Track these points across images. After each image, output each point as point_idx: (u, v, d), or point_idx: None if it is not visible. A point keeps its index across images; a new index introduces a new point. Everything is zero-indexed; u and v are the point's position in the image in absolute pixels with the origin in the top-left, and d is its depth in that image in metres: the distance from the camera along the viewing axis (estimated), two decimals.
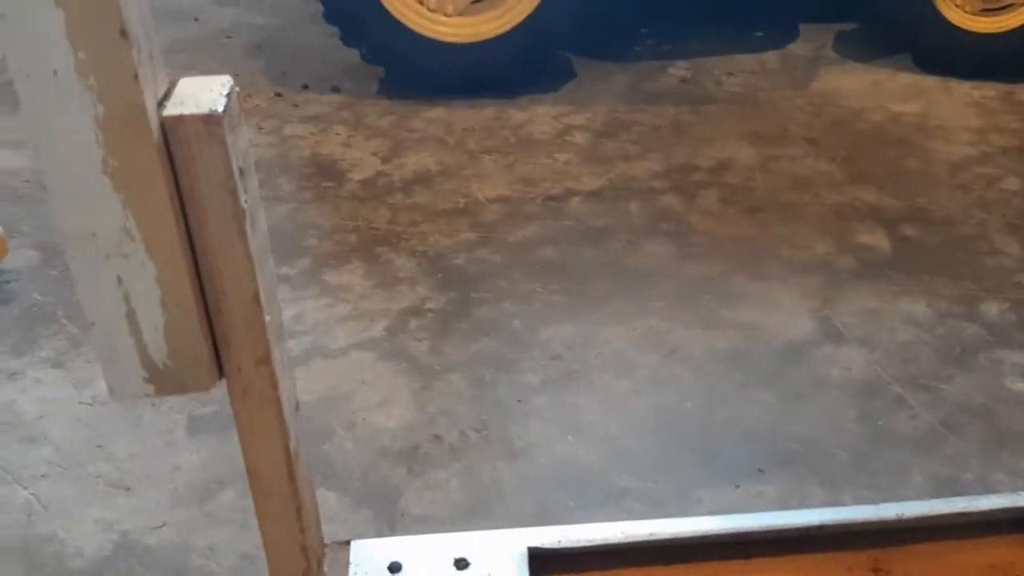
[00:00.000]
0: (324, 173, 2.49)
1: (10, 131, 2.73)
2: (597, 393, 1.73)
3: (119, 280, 1.02)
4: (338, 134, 2.68)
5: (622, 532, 1.30)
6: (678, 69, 3.07)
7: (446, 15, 2.80)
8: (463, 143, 2.64)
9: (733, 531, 1.32)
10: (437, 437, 1.63)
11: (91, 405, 1.70)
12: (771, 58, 3.16)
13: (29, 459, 1.57)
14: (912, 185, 2.41)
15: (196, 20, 3.49)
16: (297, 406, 1.20)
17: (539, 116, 2.77)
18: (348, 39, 2.82)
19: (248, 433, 1.13)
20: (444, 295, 2.01)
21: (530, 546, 1.28)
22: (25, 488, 1.52)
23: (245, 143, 1.03)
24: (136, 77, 0.85)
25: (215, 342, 1.09)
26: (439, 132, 2.70)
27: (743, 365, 1.79)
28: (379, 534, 1.42)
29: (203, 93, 1.00)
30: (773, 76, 3.04)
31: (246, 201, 1.01)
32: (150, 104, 0.92)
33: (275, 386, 1.10)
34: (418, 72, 2.82)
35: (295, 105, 2.81)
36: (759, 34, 3.35)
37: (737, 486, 1.52)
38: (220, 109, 0.93)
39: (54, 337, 1.87)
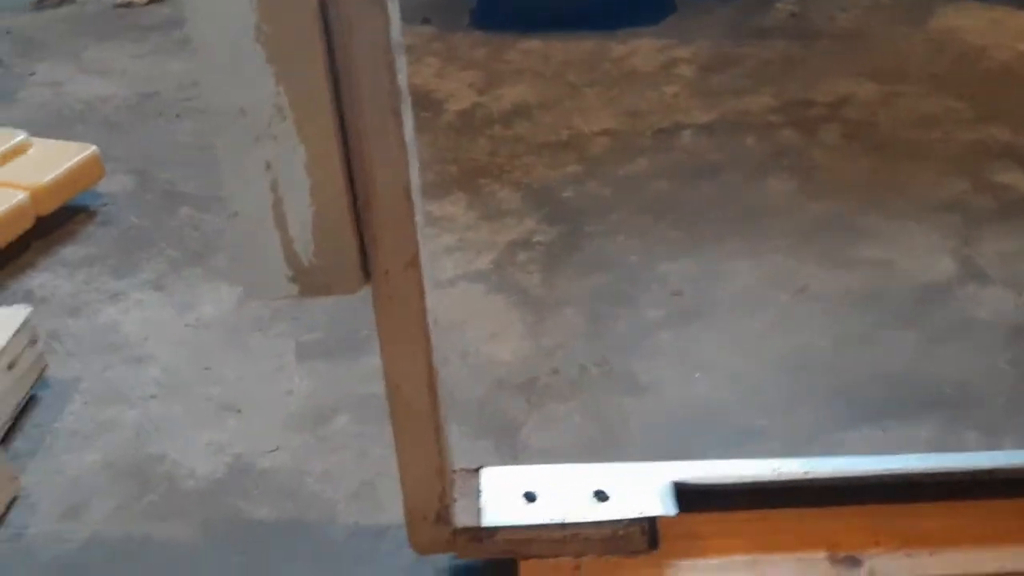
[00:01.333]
0: (419, 103, 2.39)
1: (98, 60, 2.68)
2: (724, 330, 1.61)
3: (267, 165, 0.93)
4: (430, 65, 2.58)
5: (774, 469, 1.19)
6: (785, 3, 2.91)
7: None
8: (562, 75, 2.52)
9: (896, 472, 1.20)
10: (555, 370, 1.53)
11: (195, 328, 1.63)
12: None
13: (137, 380, 1.52)
14: None
15: None
16: (435, 321, 1.11)
17: (641, 49, 2.64)
18: None
19: (391, 343, 1.04)
20: (553, 228, 1.91)
21: (676, 480, 1.18)
22: (134, 408, 1.46)
23: (398, 16, 0.92)
24: None
25: (363, 242, 1.00)
26: (536, 64, 2.58)
27: (880, 305, 1.67)
28: (501, 463, 1.34)
29: None
30: (887, 12, 2.85)
31: (402, 81, 0.91)
32: None
33: (422, 292, 1.00)
34: (512, 3, 2.70)
35: None
36: None
37: (884, 429, 1.40)
38: None
39: (154, 260, 1.81)
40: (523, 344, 1.60)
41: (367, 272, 1.01)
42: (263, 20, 0.85)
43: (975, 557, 1.13)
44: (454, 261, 1.80)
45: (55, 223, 1.89)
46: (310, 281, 0.98)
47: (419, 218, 0.99)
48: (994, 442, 1.37)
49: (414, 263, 1.02)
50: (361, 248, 1.00)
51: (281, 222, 0.98)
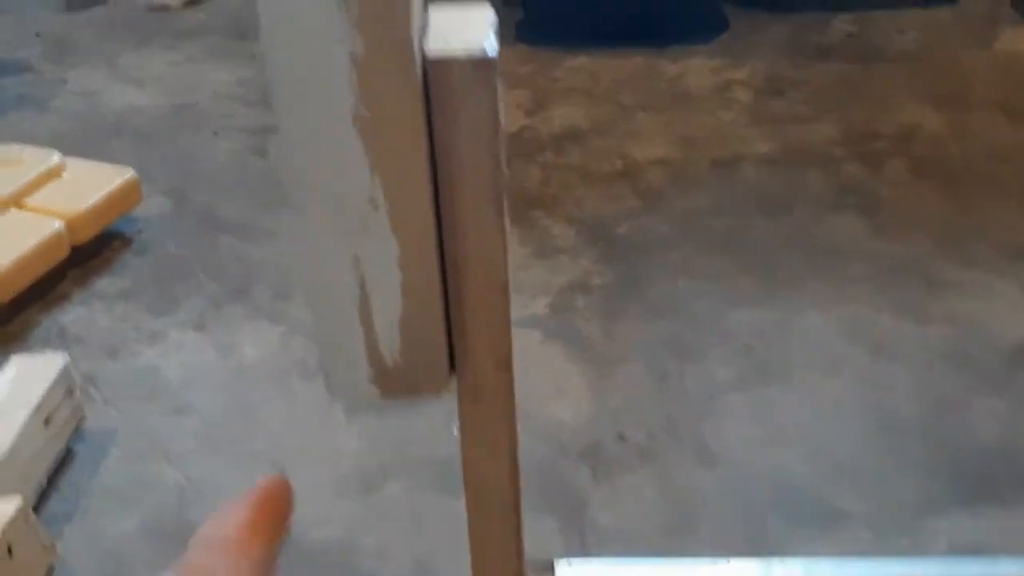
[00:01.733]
0: None
1: (132, 68, 2.59)
2: (800, 392, 1.52)
3: (356, 261, 0.83)
4: None
5: (879, 572, 1.09)
6: (842, 22, 2.79)
7: None
8: (613, 96, 2.42)
9: None
10: (621, 436, 1.44)
11: (237, 373, 1.55)
12: (944, 15, 2.85)
13: (176, 432, 1.43)
14: None
15: None
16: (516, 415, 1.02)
17: (694, 69, 2.53)
18: None
19: (474, 444, 0.94)
20: (610, 268, 1.81)
21: None
22: (173, 465, 1.38)
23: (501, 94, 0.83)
24: (408, 4, 0.63)
25: (450, 340, 0.90)
26: (585, 83, 2.48)
27: (965, 366, 1.57)
28: (568, 548, 1.25)
29: (465, 26, 0.78)
30: (949, 34, 2.74)
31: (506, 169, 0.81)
32: (415, 39, 0.70)
33: (511, 394, 0.91)
34: (563, 17, 2.60)
35: None
36: None
37: (976, 515, 1.30)
38: (492, 52, 0.71)
39: (193, 295, 1.72)
40: (585, 403, 1.50)
41: (453, 369, 0.91)
42: (361, 102, 0.74)
43: None
44: None
45: (90, 251, 1.80)
46: (393, 382, 0.88)
47: (512, 317, 0.89)
48: None
49: (506, 364, 0.92)
50: (449, 346, 0.90)
51: (367, 320, 0.88)
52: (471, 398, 0.97)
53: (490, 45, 0.74)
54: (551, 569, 1.17)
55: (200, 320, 1.67)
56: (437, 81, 0.82)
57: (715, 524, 1.29)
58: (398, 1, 0.66)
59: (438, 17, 0.77)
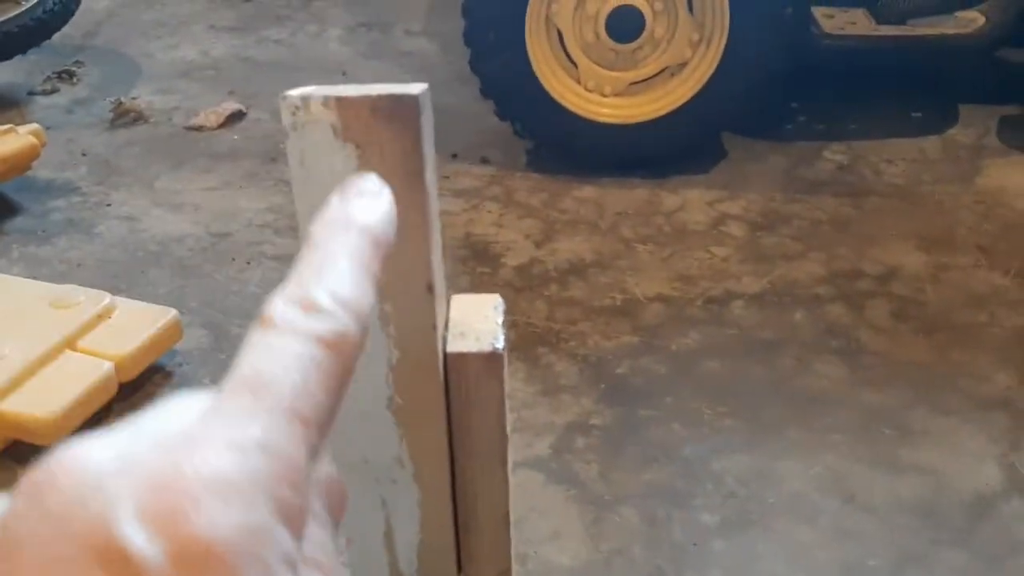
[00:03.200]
0: (479, 256, 2.48)
1: (171, 192, 2.80)
2: (777, 541, 1.67)
3: (383, 502, 1.01)
4: (490, 211, 2.67)
5: None
6: (833, 153, 2.98)
7: (603, 95, 2.77)
8: (616, 229, 2.60)
9: None
10: None
11: None
12: (931, 144, 3.04)
13: None
14: None
15: (344, 74, 3.53)
16: None
17: (692, 201, 2.72)
18: (503, 113, 2.81)
19: None
20: (610, 409, 1.97)
21: None
22: None
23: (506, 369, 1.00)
24: (434, 327, 0.84)
25: (459, 558, 1.07)
26: (591, 214, 2.67)
27: (930, 518, 1.71)
28: None
29: (479, 321, 0.97)
30: (935, 166, 2.92)
31: (508, 433, 0.99)
32: (439, 345, 0.91)
33: None
34: (573, 150, 2.79)
35: (446, 177, 2.81)
36: (917, 114, 3.23)
37: None
38: (500, 346, 0.91)
39: None
40: (582, 548, 1.66)
41: None
42: (396, 393, 0.94)
43: None
44: (514, 444, 1.85)
45: (135, 385, 1.98)
46: None
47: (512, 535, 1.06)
48: None
49: (506, 573, 1.08)
50: (458, 563, 1.07)
51: (391, 547, 1.06)
52: None
53: (499, 341, 0.94)
54: None
55: None
56: (455, 371, 1.02)
57: None
58: (430, 326, 0.85)
59: (457, 306, 0.96)
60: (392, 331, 0.92)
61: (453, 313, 0.95)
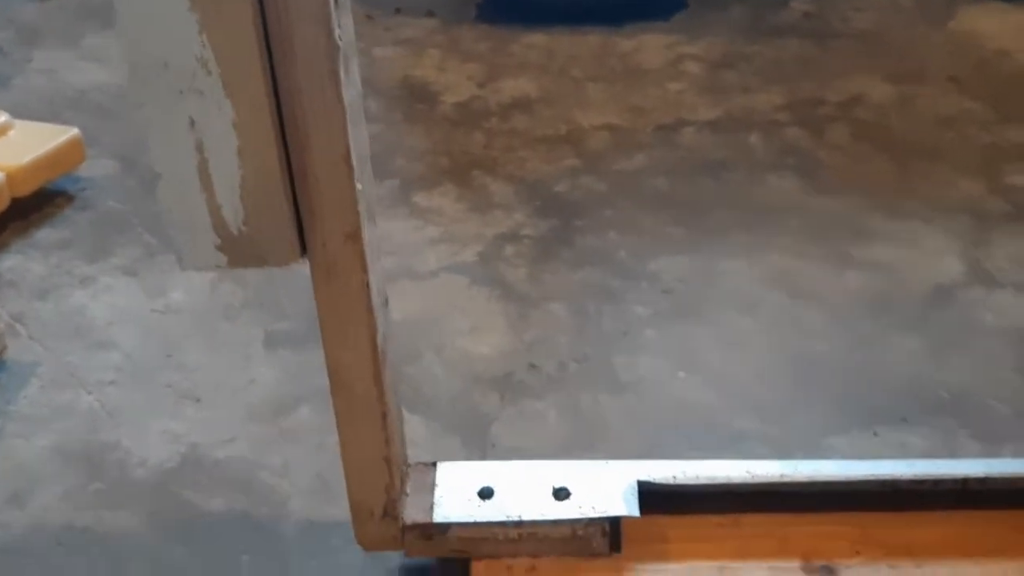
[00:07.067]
0: (416, 95, 2.33)
1: (98, 48, 2.65)
2: (714, 330, 1.54)
3: (192, 123, 0.87)
4: (431, 57, 2.52)
5: (749, 472, 1.12)
6: (800, 2, 2.82)
7: None
8: (566, 70, 2.45)
9: (880, 478, 1.12)
10: (533, 366, 1.46)
11: (163, 314, 1.58)
12: None
13: (96, 365, 1.46)
14: None
15: None
16: (386, 300, 1.04)
17: (648, 45, 2.57)
18: None
19: (331, 321, 0.97)
20: (544, 222, 1.84)
21: (640, 479, 1.11)
22: (90, 394, 1.41)
23: None
24: None
25: (298, 211, 0.94)
26: (540, 58, 2.51)
27: (882, 308, 1.58)
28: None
29: None
30: (906, 13, 2.76)
31: (340, 37, 0.84)
32: None
33: (364, 267, 0.93)
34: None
35: (387, 29, 2.66)
36: None
37: (875, 434, 1.32)
38: None
39: (129, 245, 1.76)
40: (503, 339, 1.53)
41: (304, 244, 0.94)
42: None
43: (964, 571, 1.04)
44: (438, 253, 1.74)
45: (33, 206, 1.84)
46: (239, 251, 0.92)
47: (362, 187, 0.92)
48: (994, 451, 1.29)
49: (355, 236, 0.95)
50: (297, 217, 0.93)
51: (207, 185, 0.91)
52: (324, 275, 0.99)
53: None
54: (432, 467, 1.18)
55: (133, 267, 1.70)
56: None
57: (612, 443, 1.31)
58: None
59: None
60: None
61: None
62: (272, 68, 0.87)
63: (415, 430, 1.32)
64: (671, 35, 2.61)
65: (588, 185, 1.96)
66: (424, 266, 1.70)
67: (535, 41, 2.59)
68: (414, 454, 1.21)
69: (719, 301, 1.60)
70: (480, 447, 1.31)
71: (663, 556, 1.06)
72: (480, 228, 1.82)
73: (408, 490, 1.09)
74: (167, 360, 1.47)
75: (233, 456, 1.29)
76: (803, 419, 1.34)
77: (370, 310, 0.95)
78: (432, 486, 1.10)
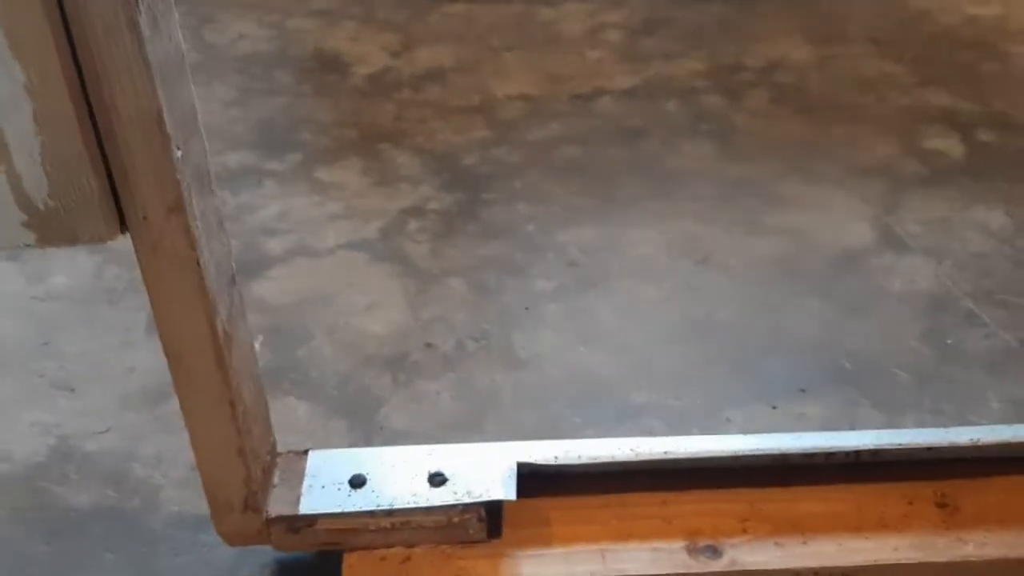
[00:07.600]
0: (326, 67, 2.25)
1: None
2: (617, 300, 1.49)
3: None
4: (345, 28, 2.44)
5: (633, 450, 1.07)
6: None
7: None
8: (484, 39, 2.39)
9: (769, 452, 1.09)
10: (429, 345, 1.41)
11: (42, 300, 1.50)
12: None
13: None
14: (989, 89, 2.12)
15: None
16: (233, 279, 0.97)
17: (570, 13, 2.51)
18: None
19: (162, 301, 0.90)
20: (450, 195, 1.78)
21: (520, 461, 1.06)
22: None
23: None
24: None
25: (113, 182, 0.86)
26: (458, 28, 2.45)
27: (789, 273, 1.55)
28: (352, 446, 1.21)
29: None
30: None
31: None
32: None
33: (192, 244, 0.86)
34: None
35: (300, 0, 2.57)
36: None
37: (774, 406, 1.28)
38: None
39: None
40: (399, 317, 1.47)
41: (124, 218, 0.86)
42: None
43: (854, 546, 1.01)
44: (337, 229, 1.67)
45: None
46: (49, 227, 0.84)
47: (182, 152, 0.85)
48: (895, 421, 1.26)
49: (178, 208, 0.88)
50: (112, 189, 0.85)
51: (5, 156, 0.83)
52: (150, 252, 0.92)
53: None
54: (304, 456, 1.12)
55: (14, 252, 1.62)
56: None
57: (504, 420, 1.26)
58: None
59: None
60: None
61: None
62: (66, 23, 0.78)
63: (299, 417, 1.26)
64: (594, 2, 2.55)
65: (499, 157, 1.90)
66: (322, 243, 1.63)
67: (455, 10, 2.52)
68: (296, 441, 1.16)
69: (625, 271, 1.56)
70: (366, 431, 1.25)
71: (543, 540, 1.02)
72: (384, 203, 1.75)
73: (276, 481, 1.04)
74: (42, 348, 1.39)
75: (105, 448, 1.23)
76: (701, 391, 1.31)
77: (204, 290, 0.88)
78: (302, 475, 1.05)
